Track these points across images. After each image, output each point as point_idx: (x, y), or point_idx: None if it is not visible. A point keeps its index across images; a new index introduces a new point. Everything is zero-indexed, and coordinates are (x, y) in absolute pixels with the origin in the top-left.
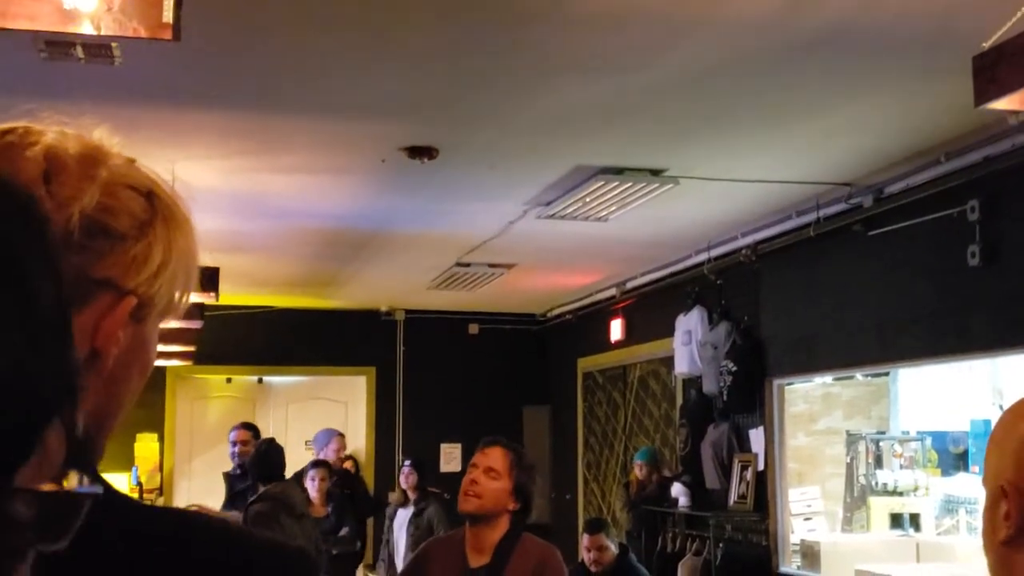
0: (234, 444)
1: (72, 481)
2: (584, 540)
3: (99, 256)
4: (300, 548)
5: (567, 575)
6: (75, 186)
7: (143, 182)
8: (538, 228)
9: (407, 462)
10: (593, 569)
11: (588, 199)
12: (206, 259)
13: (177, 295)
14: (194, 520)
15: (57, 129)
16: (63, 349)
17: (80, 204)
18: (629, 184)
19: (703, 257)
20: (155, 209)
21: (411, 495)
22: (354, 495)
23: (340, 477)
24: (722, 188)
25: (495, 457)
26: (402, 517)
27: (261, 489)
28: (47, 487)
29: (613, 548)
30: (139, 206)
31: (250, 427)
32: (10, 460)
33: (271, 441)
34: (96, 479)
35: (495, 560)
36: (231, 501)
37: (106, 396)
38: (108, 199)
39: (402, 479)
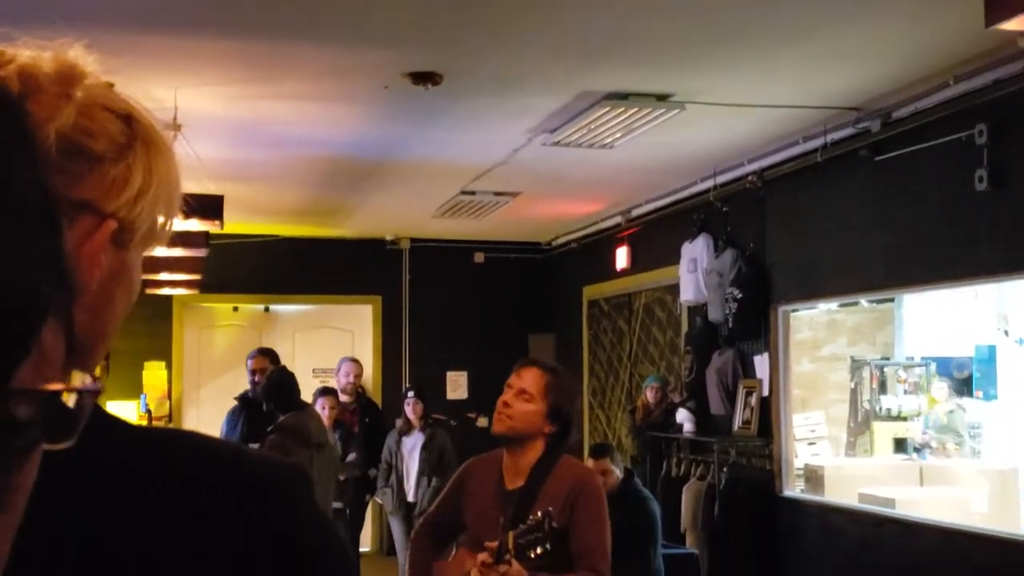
0: (252, 373)
1: (74, 380)
2: (589, 464)
3: (77, 178)
4: (293, 464)
5: (604, 500)
6: (51, 105)
7: (121, 105)
8: (543, 155)
9: (410, 392)
10: None
11: (593, 126)
12: (210, 187)
13: (160, 221)
14: (185, 438)
15: (31, 51)
16: (53, 244)
17: (56, 123)
18: (635, 110)
19: (709, 184)
20: (134, 132)
21: (417, 424)
22: (376, 423)
23: (362, 407)
24: (728, 113)
25: (529, 379)
26: (410, 444)
27: (279, 419)
28: (47, 386)
29: (618, 472)
30: (117, 128)
31: (267, 353)
32: (8, 359)
33: (283, 369)
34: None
35: (529, 483)
36: (251, 430)
37: (91, 321)
38: (85, 120)
39: (408, 409)
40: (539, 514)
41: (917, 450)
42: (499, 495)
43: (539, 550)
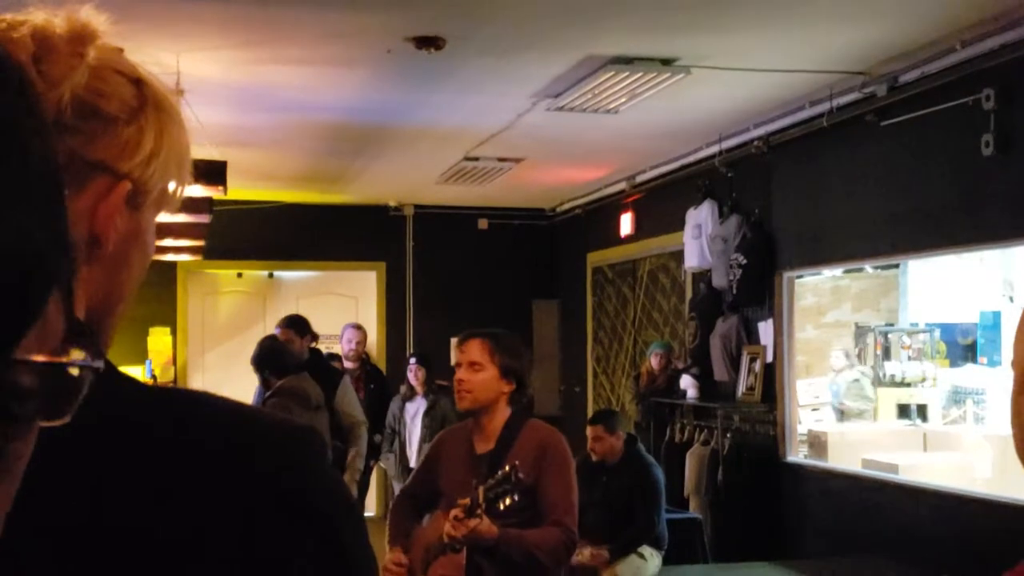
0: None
1: (75, 355)
2: (588, 432)
3: (92, 138)
4: (308, 426)
5: (570, 458)
6: (65, 64)
7: (131, 69)
8: (547, 121)
9: (412, 358)
10: (593, 459)
11: (598, 90)
12: (213, 153)
13: (171, 185)
14: (198, 398)
15: (44, 13)
16: (56, 214)
17: (71, 83)
18: (639, 74)
19: (714, 150)
20: (144, 96)
21: (420, 390)
22: (380, 390)
23: (367, 373)
24: (734, 78)
25: (474, 350)
26: (413, 410)
27: (276, 383)
28: (48, 358)
29: (613, 439)
30: (129, 92)
31: (293, 324)
32: (11, 329)
33: (272, 337)
34: (99, 356)
35: (498, 446)
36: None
37: (108, 283)
38: (97, 82)
39: (410, 375)
40: (507, 468)
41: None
42: (471, 460)
43: (508, 500)
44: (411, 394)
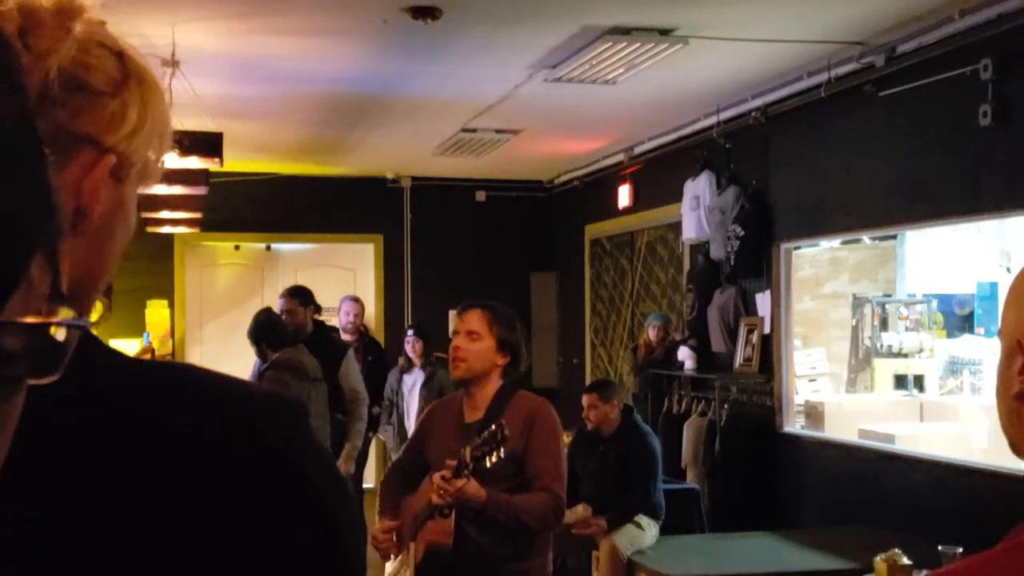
0: (283, 313)
1: (62, 314)
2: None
3: (77, 112)
4: (292, 397)
5: (558, 426)
6: (52, 37)
7: (113, 42)
8: (545, 92)
9: (410, 330)
10: (589, 427)
11: (595, 61)
12: (209, 124)
13: (153, 158)
14: (185, 371)
15: None
16: (36, 176)
17: (58, 56)
18: (637, 45)
19: (712, 120)
20: (127, 69)
21: (417, 361)
22: (378, 362)
23: (365, 345)
24: (732, 48)
25: (473, 320)
26: (410, 382)
27: (273, 356)
28: (34, 319)
29: (608, 408)
30: (112, 65)
31: (296, 294)
32: None
33: (268, 310)
34: (84, 315)
35: (488, 414)
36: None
37: (91, 255)
38: (83, 56)
39: (408, 347)
40: (492, 427)
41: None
42: (459, 429)
43: (494, 457)
44: (408, 366)
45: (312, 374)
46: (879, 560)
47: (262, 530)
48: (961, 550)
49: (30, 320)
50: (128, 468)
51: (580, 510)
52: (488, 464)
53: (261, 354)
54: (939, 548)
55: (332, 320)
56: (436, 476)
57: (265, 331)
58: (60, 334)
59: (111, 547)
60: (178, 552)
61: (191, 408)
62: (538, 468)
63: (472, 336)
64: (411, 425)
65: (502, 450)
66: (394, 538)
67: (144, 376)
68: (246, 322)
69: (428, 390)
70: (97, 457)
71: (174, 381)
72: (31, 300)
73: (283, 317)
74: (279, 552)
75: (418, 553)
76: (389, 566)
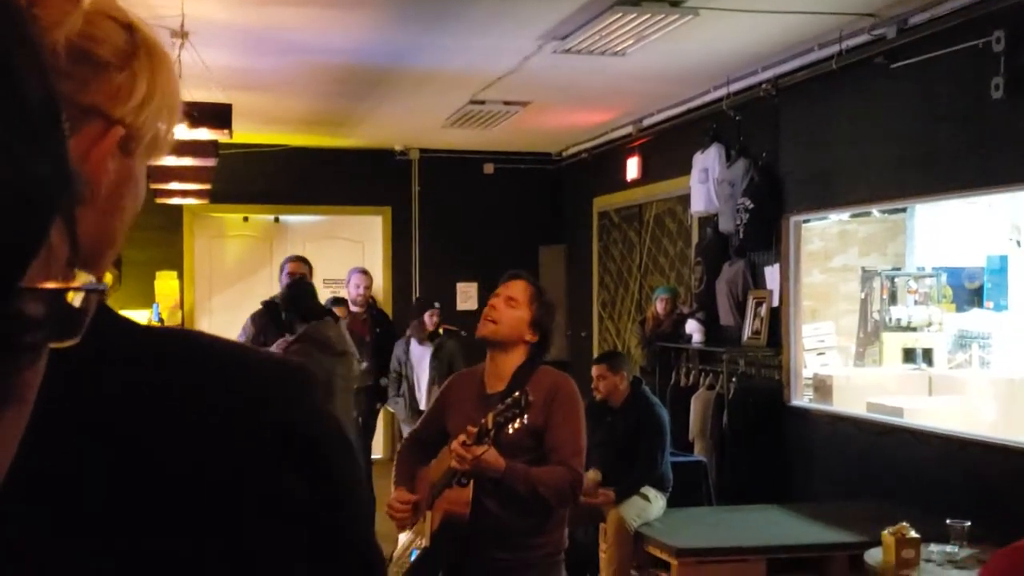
0: (292, 276)
1: (81, 279)
2: (594, 371)
3: (84, 84)
4: (301, 363)
5: (580, 402)
6: (59, 9)
7: (122, 15)
8: (554, 63)
9: (436, 304)
10: (597, 397)
11: (604, 32)
12: (218, 96)
13: (162, 130)
14: (193, 338)
15: None
16: (57, 141)
17: (65, 28)
18: (647, 16)
19: (722, 92)
20: (136, 42)
21: (428, 331)
22: (386, 334)
23: (373, 317)
24: (742, 20)
25: (516, 289)
26: (419, 353)
27: (300, 329)
28: (54, 285)
29: (617, 379)
30: (121, 37)
31: (302, 259)
32: (16, 258)
33: (302, 279)
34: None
35: (511, 385)
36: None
37: (99, 227)
38: (90, 28)
39: (428, 318)
40: (516, 394)
41: None
42: (481, 398)
43: (517, 423)
44: (423, 336)
45: (338, 348)
46: (887, 533)
47: (269, 495)
48: (969, 523)
49: (51, 285)
50: (135, 430)
51: (591, 474)
52: (511, 430)
53: (288, 324)
54: (947, 522)
55: (341, 292)
56: (456, 441)
57: (298, 301)
58: (78, 300)
59: (119, 510)
60: (186, 513)
61: (200, 374)
62: (557, 442)
63: (511, 303)
64: (422, 396)
65: (525, 417)
66: (411, 508)
67: (153, 342)
68: (255, 293)
69: (438, 360)
70: (107, 422)
71: (180, 345)
72: (51, 266)
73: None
74: (286, 516)
75: (434, 522)
76: (403, 536)
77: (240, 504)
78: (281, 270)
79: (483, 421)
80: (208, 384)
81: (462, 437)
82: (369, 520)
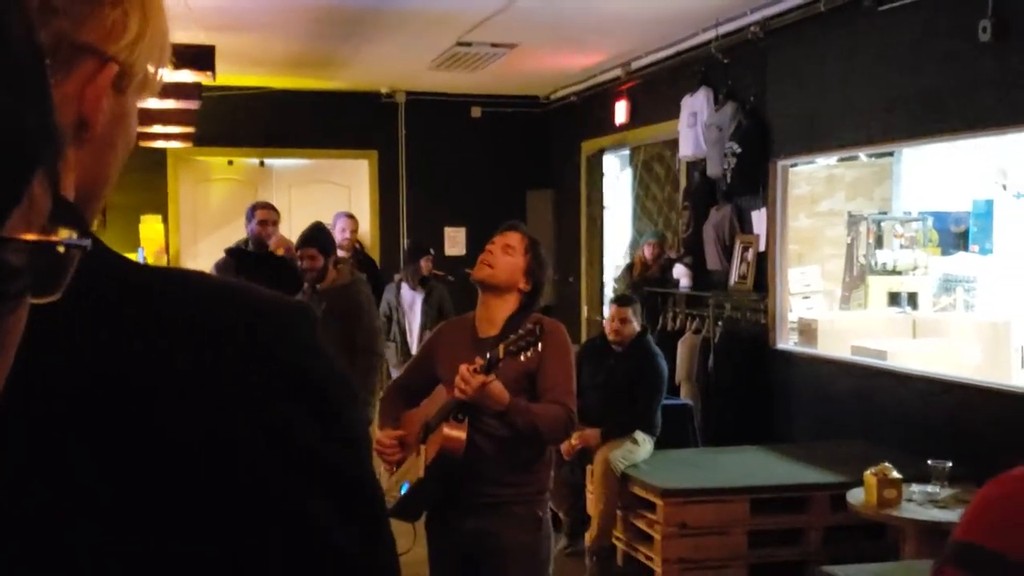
0: (263, 224)
1: (63, 233)
2: (611, 309)
3: (79, 21)
4: (298, 301)
5: (571, 348)
6: None
7: None
8: (542, 4)
9: (431, 250)
10: (612, 338)
11: None
12: (200, 37)
13: (152, 69)
14: (189, 276)
15: None
16: (40, 93)
17: None
18: None
19: (710, 35)
20: None
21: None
22: (373, 279)
23: (359, 262)
24: None
25: (513, 238)
26: (410, 298)
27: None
28: (35, 237)
29: (635, 325)
30: None
31: (272, 207)
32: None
33: (320, 223)
34: (86, 235)
35: (504, 332)
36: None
37: (94, 166)
38: None
39: (424, 264)
40: (530, 325)
41: None
42: (473, 343)
43: (529, 352)
44: (417, 283)
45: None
46: (869, 474)
47: (269, 423)
48: (950, 464)
49: (31, 237)
50: (128, 368)
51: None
52: (523, 358)
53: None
54: (928, 462)
55: None
56: (464, 367)
57: (327, 239)
58: (61, 251)
59: (115, 458)
60: (185, 453)
61: (199, 308)
62: (551, 382)
63: (507, 250)
64: (414, 340)
65: (539, 345)
66: (399, 446)
67: (151, 280)
68: (240, 238)
69: (428, 305)
70: (99, 359)
71: (180, 283)
72: (33, 218)
73: (264, 229)
74: (289, 454)
75: (428, 457)
76: (390, 478)
77: (246, 441)
78: (249, 217)
79: (494, 351)
80: (211, 322)
81: (468, 366)
82: (370, 459)
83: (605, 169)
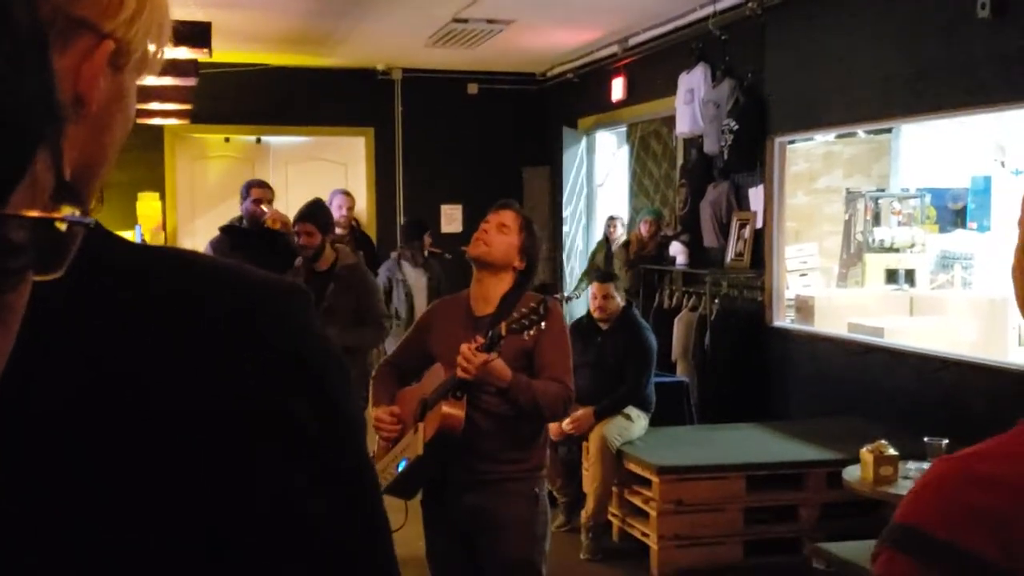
0: (257, 202)
1: (65, 211)
2: (593, 288)
3: None
4: (294, 282)
5: (566, 327)
6: None
7: None
8: None
9: (430, 230)
10: (597, 315)
11: None
12: (197, 13)
13: (151, 47)
14: (189, 256)
15: None
16: (42, 70)
17: None
18: None
19: (708, 11)
20: None
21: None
22: (371, 257)
23: (356, 239)
24: None
25: (507, 217)
26: (414, 276)
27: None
28: (38, 214)
29: (619, 300)
30: None
31: (267, 185)
32: (2, 183)
33: (319, 200)
34: (87, 213)
35: (499, 309)
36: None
37: (92, 145)
38: None
39: (427, 240)
40: (534, 304)
41: None
42: (469, 321)
43: (533, 331)
44: (416, 260)
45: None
46: (865, 451)
47: (265, 407)
48: (947, 441)
49: (34, 214)
50: (126, 349)
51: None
52: (527, 336)
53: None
54: (925, 440)
55: None
56: (465, 346)
57: (325, 216)
58: (63, 228)
59: (112, 441)
60: (186, 439)
61: (197, 290)
62: (549, 360)
63: (502, 229)
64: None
65: (543, 324)
66: (397, 422)
67: (150, 260)
68: (237, 215)
69: (429, 282)
70: (97, 340)
71: (179, 265)
72: (36, 195)
73: (257, 207)
74: (287, 442)
75: (427, 434)
76: (385, 455)
77: (244, 430)
78: (244, 195)
79: (496, 329)
80: (210, 304)
81: (470, 345)
82: (365, 443)
83: (598, 146)
